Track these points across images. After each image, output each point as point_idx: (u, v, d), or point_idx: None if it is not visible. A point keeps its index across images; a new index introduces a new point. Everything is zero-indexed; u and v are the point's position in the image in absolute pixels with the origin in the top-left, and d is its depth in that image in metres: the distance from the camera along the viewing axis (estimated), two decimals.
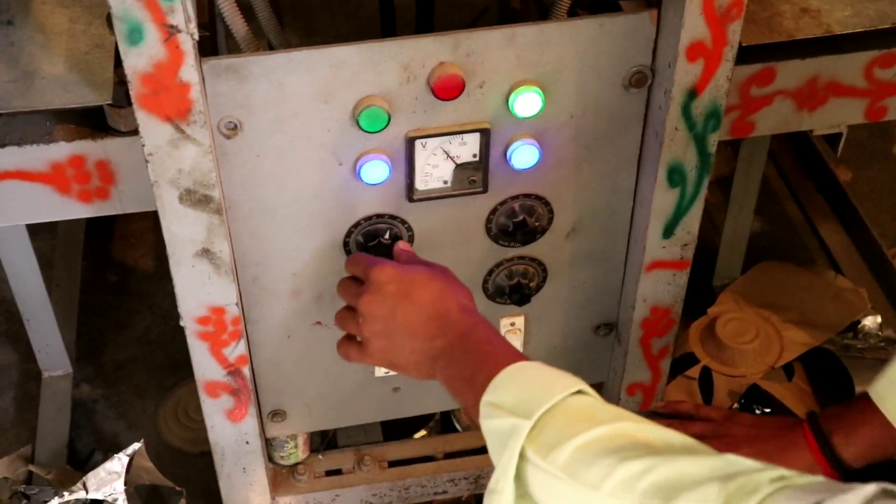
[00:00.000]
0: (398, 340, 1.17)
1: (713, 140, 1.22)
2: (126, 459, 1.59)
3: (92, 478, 1.59)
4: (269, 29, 1.29)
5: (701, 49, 1.13)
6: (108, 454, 1.65)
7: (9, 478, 1.70)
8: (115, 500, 1.59)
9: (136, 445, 1.61)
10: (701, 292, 1.96)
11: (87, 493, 1.58)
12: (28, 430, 1.86)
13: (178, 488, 1.67)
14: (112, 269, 2.14)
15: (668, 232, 1.31)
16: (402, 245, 1.25)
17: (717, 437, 1.48)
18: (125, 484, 1.65)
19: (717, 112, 1.19)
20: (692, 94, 1.17)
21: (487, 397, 1.03)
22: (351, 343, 1.25)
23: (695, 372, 1.84)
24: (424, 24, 1.29)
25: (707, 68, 1.15)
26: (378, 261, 1.20)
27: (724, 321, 1.88)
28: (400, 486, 1.57)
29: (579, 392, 1.01)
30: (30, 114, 1.27)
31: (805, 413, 1.57)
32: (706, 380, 1.84)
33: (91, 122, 1.29)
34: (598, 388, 1.56)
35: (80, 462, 1.80)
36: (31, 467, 1.71)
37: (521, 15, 1.55)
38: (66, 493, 1.58)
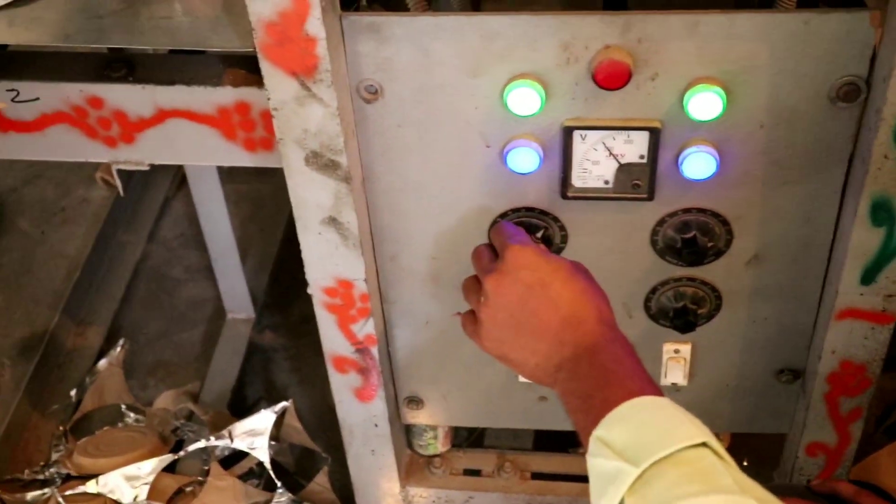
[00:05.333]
0: (521, 336, 1.01)
1: None
2: (272, 416, 1.56)
3: (238, 428, 1.57)
4: None
5: None
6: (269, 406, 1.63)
7: (170, 410, 1.72)
8: (258, 453, 1.56)
9: (284, 404, 1.58)
10: None
11: (231, 441, 1.57)
12: (206, 367, 1.88)
13: (324, 455, 1.63)
14: None
15: (869, 278, 1.10)
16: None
17: None
18: (277, 440, 1.63)
19: None
20: None
21: (599, 431, 0.89)
22: (470, 317, 1.09)
23: None
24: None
25: None
26: (520, 238, 1.05)
27: None
28: (539, 501, 1.44)
29: (703, 445, 0.85)
30: (205, 55, 1.24)
31: None
32: None
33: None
34: (778, 440, 1.37)
35: (246, 409, 1.80)
36: (192, 406, 1.72)
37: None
38: (212, 438, 1.58)
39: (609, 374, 0.94)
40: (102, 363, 1.85)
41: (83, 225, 2.15)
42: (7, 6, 1.16)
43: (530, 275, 1.01)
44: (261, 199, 2.09)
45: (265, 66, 0.99)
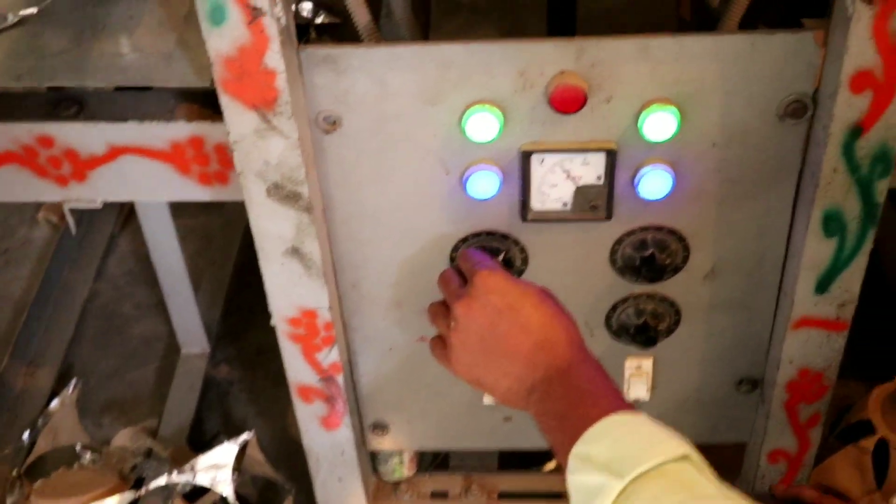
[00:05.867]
0: (492, 359, 1.03)
1: (882, 188, 1.04)
2: (235, 449, 1.54)
3: (201, 462, 1.56)
4: (402, 21, 1.20)
5: (868, 79, 0.95)
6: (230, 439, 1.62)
7: (128, 448, 1.70)
8: (221, 487, 1.55)
9: (246, 435, 1.57)
10: (890, 353, 1.73)
11: (194, 476, 1.55)
12: (164, 404, 1.86)
13: (287, 485, 1.62)
14: None
15: (822, 287, 1.13)
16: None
17: None
18: (239, 472, 1.62)
19: (886, 155, 1.01)
20: (856, 131, 0.99)
21: (579, 448, 0.90)
22: (439, 342, 1.10)
23: (870, 443, 1.62)
24: (563, 23, 1.16)
25: (876, 103, 0.97)
26: (488, 264, 1.07)
27: None
28: None
29: (684, 458, 0.86)
30: (157, 91, 1.24)
31: None
32: (882, 454, 1.62)
33: (215, 104, 1.25)
34: (739, 449, 1.39)
35: (204, 443, 1.79)
36: (150, 442, 1.70)
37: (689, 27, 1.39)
38: (175, 473, 1.56)
39: (583, 393, 0.95)
40: (55, 404, 1.81)
41: (27, 266, 2.12)
42: None
43: (500, 299, 1.02)
44: (209, 233, 2.08)
45: (224, 101, 0.99)
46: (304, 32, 1.12)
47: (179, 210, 1.84)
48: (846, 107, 0.97)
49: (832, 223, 1.07)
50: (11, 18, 1.17)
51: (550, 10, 1.27)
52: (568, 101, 1.01)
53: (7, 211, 2.23)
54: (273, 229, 1.10)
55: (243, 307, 2.02)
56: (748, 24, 1.08)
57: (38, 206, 2.18)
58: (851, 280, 1.11)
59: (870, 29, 0.92)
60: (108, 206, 2.13)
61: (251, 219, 1.09)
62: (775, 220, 1.13)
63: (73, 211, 1.38)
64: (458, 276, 1.10)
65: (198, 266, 1.85)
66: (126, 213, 2.18)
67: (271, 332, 1.97)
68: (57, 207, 2.14)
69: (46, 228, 2.17)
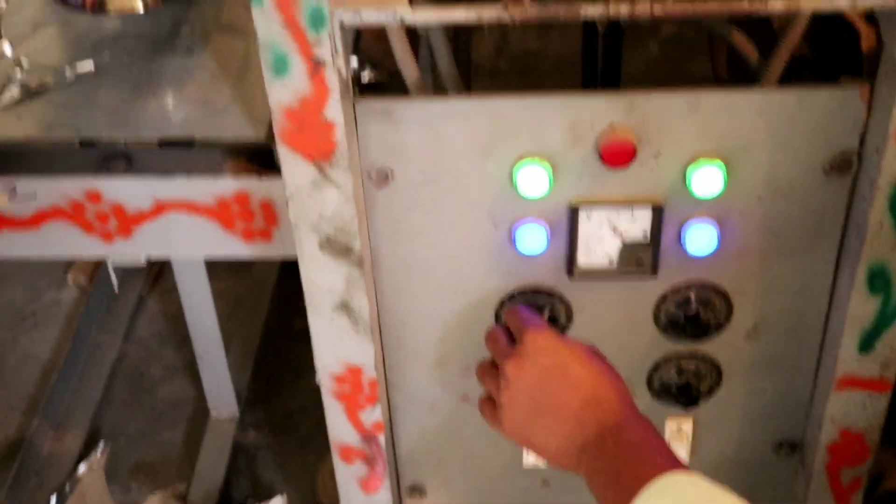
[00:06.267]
0: (542, 419, 1.03)
1: None
2: None
3: None
4: (447, 76, 1.23)
5: None
6: None
7: None
8: None
9: (278, 499, 1.56)
10: None
11: None
12: (191, 467, 1.85)
13: None
14: (299, 315, 2.13)
15: (866, 345, 1.13)
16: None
17: None
18: None
19: None
20: None
21: None
22: (489, 402, 1.11)
23: None
24: (610, 76, 1.18)
25: None
26: (536, 323, 1.08)
27: None
28: None
29: None
30: (203, 147, 1.26)
31: None
32: None
33: (262, 159, 1.27)
34: None
35: None
36: None
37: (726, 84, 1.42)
38: None
39: (637, 452, 0.95)
40: (83, 468, 1.80)
41: (55, 327, 2.13)
42: (14, 104, 1.17)
43: (549, 359, 1.03)
44: (239, 296, 2.09)
45: (283, 152, 1.01)
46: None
47: (210, 272, 1.86)
48: (894, 161, 0.99)
49: (877, 279, 1.07)
50: (69, 75, 1.19)
51: (586, 67, 1.30)
52: (618, 155, 1.03)
53: (36, 273, 2.24)
54: (324, 283, 1.10)
55: (272, 371, 2.02)
56: (785, 82, 1.10)
57: (66, 267, 2.19)
58: None
59: None
60: (137, 267, 2.15)
61: (302, 273, 1.10)
62: (818, 277, 1.14)
63: (105, 270, 1.39)
64: (506, 334, 1.11)
65: (227, 329, 1.85)
66: (155, 274, 2.19)
67: (299, 396, 1.98)
68: (86, 269, 2.15)
69: (75, 290, 2.18)
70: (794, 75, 1.15)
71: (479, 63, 2.73)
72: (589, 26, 1.23)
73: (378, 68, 1.25)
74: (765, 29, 1.25)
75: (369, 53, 1.36)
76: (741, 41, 1.22)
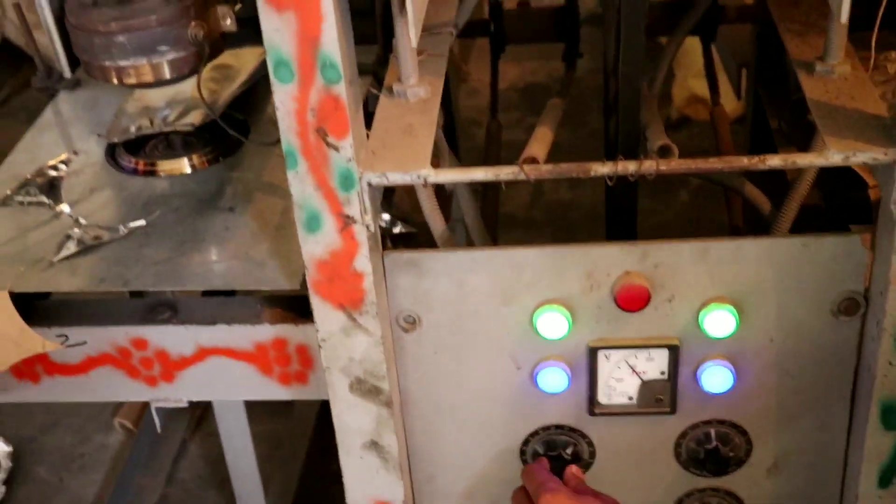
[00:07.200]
0: None
1: None
2: None
3: None
4: (473, 229, 1.30)
5: None
6: None
7: None
8: None
9: None
10: None
11: None
12: None
13: None
14: (336, 457, 2.17)
15: (885, 482, 1.15)
16: (573, 470, 1.17)
17: None
18: None
19: None
20: None
21: None
22: None
23: None
24: (623, 230, 1.25)
25: None
26: (552, 486, 1.12)
27: None
28: None
29: None
30: (243, 296, 1.33)
31: None
32: None
33: (297, 307, 1.34)
34: None
35: None
36: None
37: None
38: None
39: None
40: None
41: (101, 470, 2.18)
42: (70, 258, 1.25)
43: None
44: (278, 439, 2.13)
45: (315, 301, 1.08)
46: (382, 241, 1.23)
47: (250, 416, 1.91)
48: None
49: (891, 416, 1.11)
50: (122, 230, 1.28)
51: (610, 220, 1.36)
52: (633, 300, 1.09)
53: (84, 417, 2.31)
54: (353, 423, 1.16)
55: None
56: (798, 231, 1.16)
57: (114, 411, 2.26)
58: None
59: None
60: (181, 411, 2.21)
61: (334, 413, 1.16)
62: (835, 415, 1.17)
63: (150, 415, 1.45)
64: (526, 496, 1.15)
65: (266, 471, 1.90)
66: (198, 418, 2.25)
67: None
68: (132, 412, 2.22)
69: (122, 434, 2.24)
70: (809, 225, 1.21)
71: (514, 214, 2.84)
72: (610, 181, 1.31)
73: (408, 221, 1.33)
74: (781, 181, 1.31)
75: (401, 207, 1.45)
76: (753, 193, 1.29)
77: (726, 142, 1.58)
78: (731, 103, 2.29)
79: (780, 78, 1.51)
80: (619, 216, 1.24)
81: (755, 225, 1.39)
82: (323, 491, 2.09)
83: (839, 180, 1.20)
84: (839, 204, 1.29)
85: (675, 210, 2.72)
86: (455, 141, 1.94)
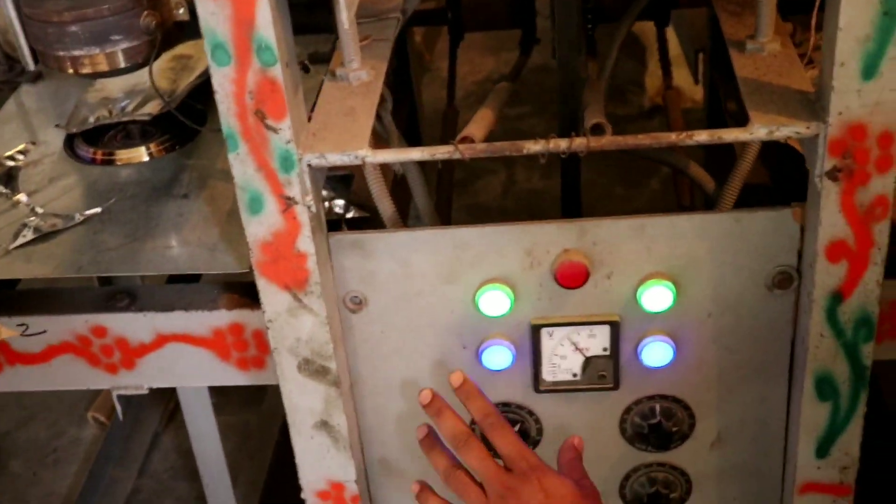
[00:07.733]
0: None
1: (867, 351, 1.11)
2: None
3: None
4: (422, 209, 1.33)
5: (843, 249, 1.05)
6: None
7: None
8: None
9: None
10: None
11: None
12: None
13: None
14: None
15: (823, 451, 1.18)
16: (577, 441, 1.06)
17: None
18: None
19: (868, 320, 1.09)
20: (837, 297, 1.08)
21: None
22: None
23: None
24: (572, 205, 1.28)
25: (852, 270, 1.06)
26: (548, 470, 1.01)
27: None
28: None
29: None
30: (201, 283, 1.35)
31: None
32: None
33: (254, 293, 1.36)
34: None
35: None
36: None
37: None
38: None
39: None
40: None
41: (75, 463, 2.20)
42: (24, 245, 1.27)
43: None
44: (248, 429, 2.16)
45: (261, 283, 1.10)
46: (337, 226, 1.25)
47: (219, 407, 1.93)
48: (826, 275, 1.06)
49: (825, 387, 1.13)
50: (78, 218, 1.30)
51: (563, 201, 1.40)
52: (572, 277, 1.11)
53: (58, 412, 2.33)
54: (303, 403, 1.18)
55: (279, 501, 2.07)
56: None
57: (87, 405, 2.28)
58: (850, 443, 1.17)
59: (838, 203, 1.02)
60: (153, 404, 2.23)
61: (283, 394, 1.18)
62: (775, 387, 1.20)
63: (124, 400, 1.46)
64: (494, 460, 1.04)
65: (237, 462, 1.92)
66: (171, 410, 2.27)
67: None
68: (105, 406, 2.24)
69: (95, 427, 2.26)
70: (755, 202, 1.23)
71: (488, 204, 2.86)
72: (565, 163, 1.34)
73: (362, 207, 1.35)
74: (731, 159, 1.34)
75: (360, 194, 1.47)
76: (697, 172, 1.32)
77: (679, 125, 1.61)
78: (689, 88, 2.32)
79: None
80: (567, 195, 1.27)
81: (706, 205, 1.42)
82: (293, 480, 2.11)
83: (786, 158, 1.22)
84: (784, 182, 1.32)
85: (647, 198, 2.75)
86: (418, 130, 1.97)
